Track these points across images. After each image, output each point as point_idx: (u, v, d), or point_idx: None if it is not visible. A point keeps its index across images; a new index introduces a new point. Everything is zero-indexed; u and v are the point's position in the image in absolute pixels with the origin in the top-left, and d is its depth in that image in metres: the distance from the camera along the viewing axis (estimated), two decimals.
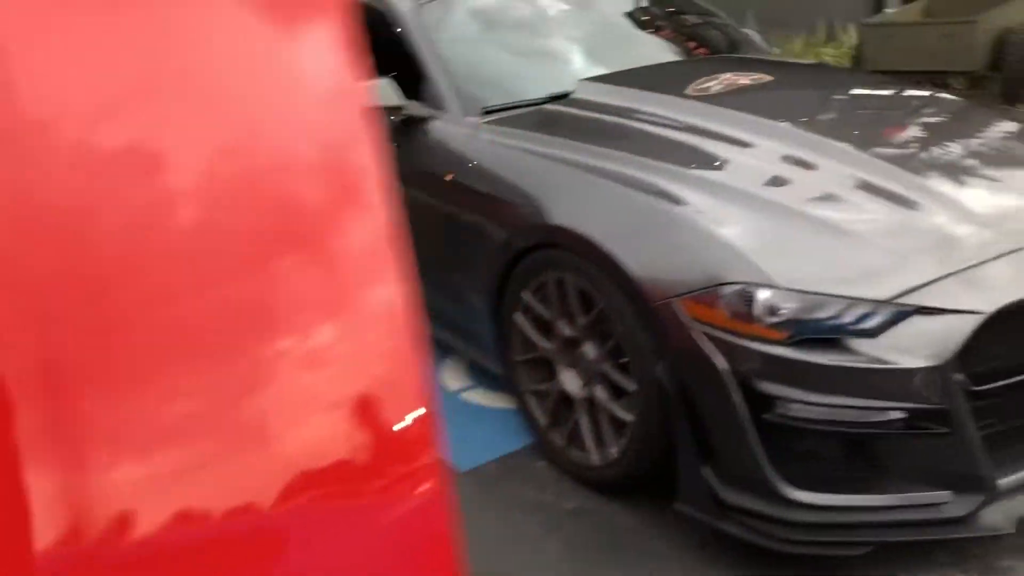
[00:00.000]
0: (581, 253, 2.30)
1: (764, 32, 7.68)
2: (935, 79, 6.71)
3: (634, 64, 3.20)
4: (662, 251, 2.15)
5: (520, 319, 2.55)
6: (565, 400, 2.48)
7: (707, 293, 2.04)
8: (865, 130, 2.67)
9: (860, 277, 2.00)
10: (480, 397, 2.95)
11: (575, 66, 3.22)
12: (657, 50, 3.46)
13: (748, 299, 1.99)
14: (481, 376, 3.01)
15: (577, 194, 2.40)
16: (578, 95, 2.88)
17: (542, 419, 2.57)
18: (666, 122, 2.62)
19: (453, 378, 3.09)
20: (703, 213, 2.17)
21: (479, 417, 2.84)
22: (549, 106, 2.86)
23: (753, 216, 2.16)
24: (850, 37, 7.72)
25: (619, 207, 2.30)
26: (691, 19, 3.83)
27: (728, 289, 2.01)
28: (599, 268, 2.24)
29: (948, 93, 3.37)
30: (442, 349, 3.16)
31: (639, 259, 2.16)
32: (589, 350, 2.37)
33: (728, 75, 2.98)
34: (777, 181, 2.31)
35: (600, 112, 2.75)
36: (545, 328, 2.49)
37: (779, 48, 7.46)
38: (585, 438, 2.42)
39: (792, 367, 1.96)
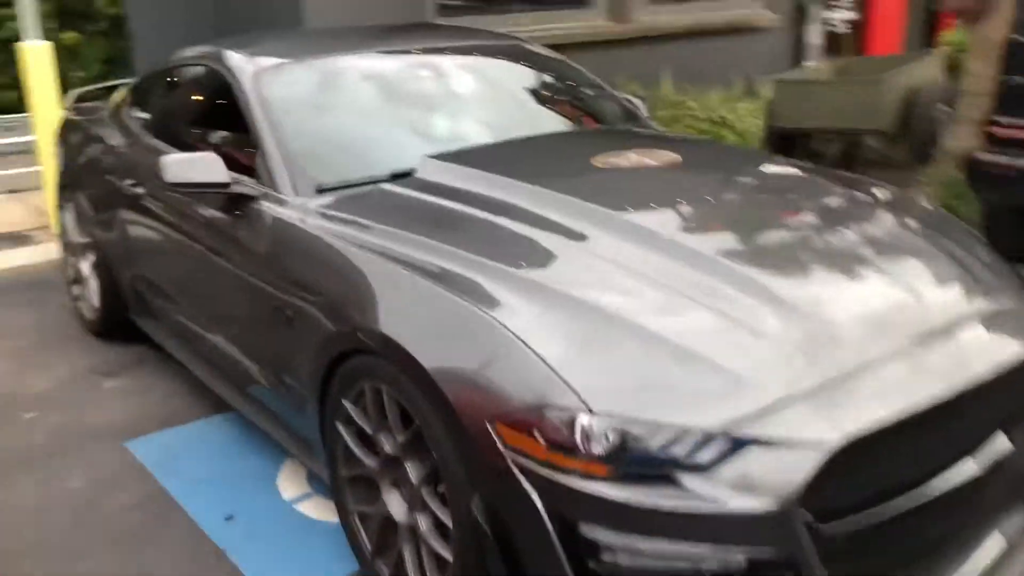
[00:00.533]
0: (396, 362, 2.02)
1: (681, 86, 7.58)
2: (849, 137, 6.65)
3: (500, 138, 2.95)
4: (478, 366, 1.87)
5: (343, 429, 2.25)
6: (391, 525, 2.17)
7: (523, 417, 1.76)
8: (727, 226, 2.37)
9: (694, 401, 1.74)
10: (315, 509, 2.62)
11: (430, 139, 2.96)
12: (525, 122, 3.19)
13: (567, 427, 1.71)
14: (320, 483, 2.68)
15: (395, 294, 2.11)
16: (420, 174, 2.60)
17: (368, 545, 2.25)
18: (506, 210, 2.34)
19: (289, 484, 2.76)
20: (524, 323, 1.89)
21: (309, 534, 2.51)
22: (386, 186, 2.58)
23: (579, 327, 1.88)
24: (768, 92, 7.65)
25: (436, 312, 2.01)
26: (569, 87, 3.60)
27: (545, 414, 1.74)
28: (413, 381, 1.96)
29: (844, 171, 3.12)
30: (281, 450, 2.83)
31: (455, 374, 1.88)
32: (412, 471, 2.07)
33: (611, 154, 2.71)
34: (614, 286, 2.02)
35: (438, 196, 2.46)
36: (368, 442, 2.19)
37: (695, 102, 7.35)
38: (410, 571, 2.11)
39: (617, 509, 1.69)
